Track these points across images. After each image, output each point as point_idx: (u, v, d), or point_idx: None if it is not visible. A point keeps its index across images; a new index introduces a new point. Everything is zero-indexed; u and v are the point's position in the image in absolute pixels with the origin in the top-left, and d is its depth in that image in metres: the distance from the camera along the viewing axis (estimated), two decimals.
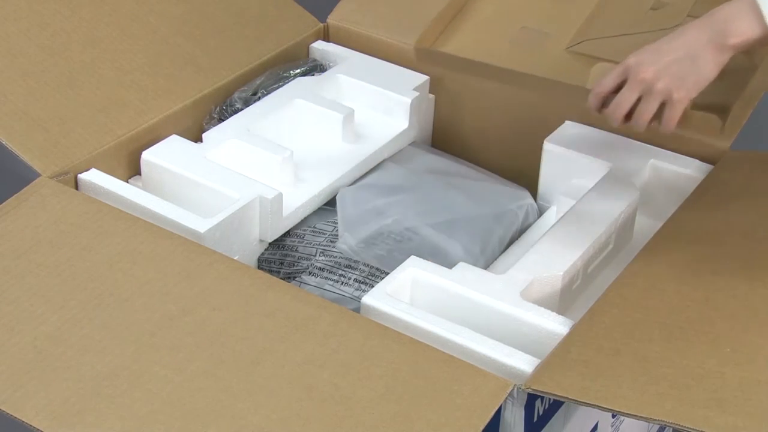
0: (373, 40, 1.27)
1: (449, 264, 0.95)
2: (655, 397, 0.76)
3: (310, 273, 1.02)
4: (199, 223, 0.97)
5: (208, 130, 1.12)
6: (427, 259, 0.95)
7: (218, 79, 1.17)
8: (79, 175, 1.03)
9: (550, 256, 0.96)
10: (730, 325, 0.82)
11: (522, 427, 0.86)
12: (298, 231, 1.07)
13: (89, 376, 0.79)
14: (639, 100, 0.96)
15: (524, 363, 0.84)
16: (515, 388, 0.80)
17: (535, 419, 0.87)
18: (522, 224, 1.10)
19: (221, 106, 1.16)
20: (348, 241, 1.03)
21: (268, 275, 0.91)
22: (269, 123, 1.14)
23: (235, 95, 1.17)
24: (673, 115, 0.95)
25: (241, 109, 1.15)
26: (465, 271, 0.94)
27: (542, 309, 0.90)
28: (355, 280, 1.01)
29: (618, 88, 0.97)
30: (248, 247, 1.03)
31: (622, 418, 1.04)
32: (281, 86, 1.18)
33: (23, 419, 0.76)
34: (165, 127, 1.11)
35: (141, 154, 1.07)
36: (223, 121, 1.13)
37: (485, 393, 0.79)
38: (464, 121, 1.26)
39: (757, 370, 0.77)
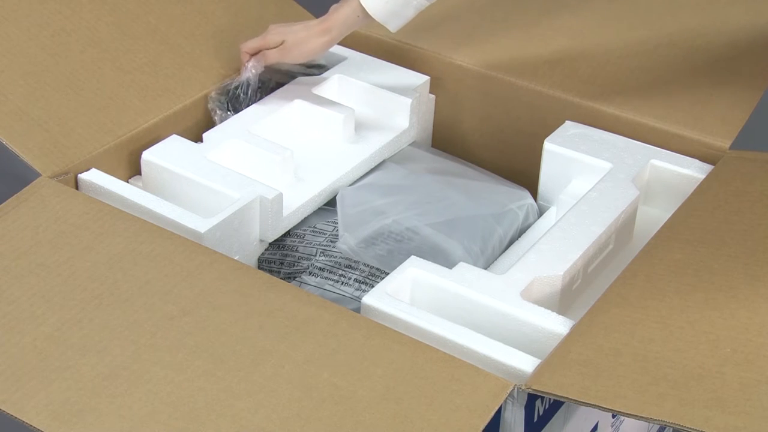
0: (373, 40, 1.27)
1: (449, 264, 0.95)
2: (655, 397, 0.76)
3: (310, 273, 1.02)
4: (199, 223, 0.97)
5: (213, 112, 1.13)
6: (428, 259, 0.95)
7: (218, 79, 1.17)
8: (79, 175, 1.03)
9: (550, 256, 0.96)
10: (730, 324, 0.82)
11: (522, 428, 0.86)
12: (298, 231, 1.07)
13: (89, 376, 0.79)
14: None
15: (524, 363, 0.84)
16: (515, 388, 0.80)
17: (535, 419, 0.87)
18: (522, 224, 1.10)
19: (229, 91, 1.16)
20: (348, 241, 1.03)
21: (268, 275, 0.91)
22: (269, 123, 1.14)
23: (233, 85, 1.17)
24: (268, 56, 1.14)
25: (244, 97, 1.15)
26: (465, 271, 0.94)
27: (542, 309, 0.90)
28: (356, 280, 1.01)
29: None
30: (248, 247, 1.03)
31: (622, 418, 1.04)
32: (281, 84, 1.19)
33: (23, 419, 0.76)
34: (165, 127, 1.11)
35: (141, 154, 1.07)
36: (230, 103, 1.14)
37: (485, 393, 0.79)
38: (464, 121, 1.26)
39: (757, 370, 0.77)
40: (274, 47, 1.14)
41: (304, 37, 1.12)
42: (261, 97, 1.17)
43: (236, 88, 1.16)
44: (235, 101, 1.16)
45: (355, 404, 0.77)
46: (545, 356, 0.84)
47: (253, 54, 1.15)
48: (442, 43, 1.25)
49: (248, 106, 1.15)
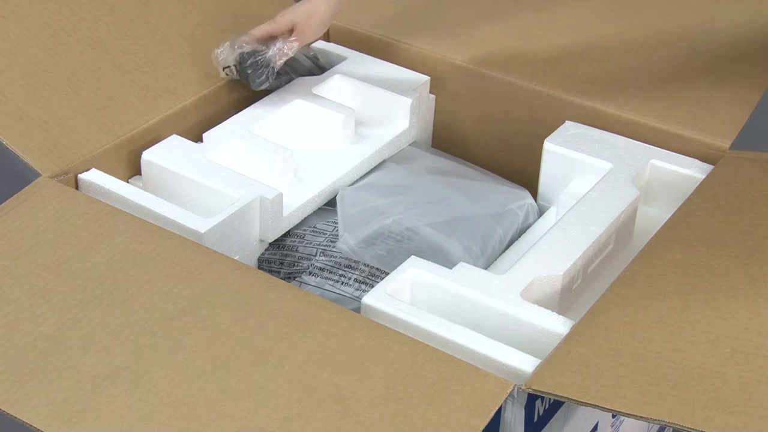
0: (373, 40, 1.27)
1: (449, 264, 0.95)
2: (655, 397, 0.76)
3: (310, 273, 1.02)
4: (199, 223, 0.97)
5: (227, 66, 1.14)
6: (428, 259, 0.95)
7: (218, 79, 1.17)
8: (80, 175, 1.03)
9: (550, 256, 0.96)
10: (730, 324, 0.82)
11: (522, 428, 0.86)
12: (299, 231, 1.07)
13: (89, 376, 0.79)
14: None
15: (524, 363, 0.84)
16: (515, 388, 0.80)
17: (535, 419, 0.87)
18: (522, 224, 1.10)
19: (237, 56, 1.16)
20: (348, 241, 1.03)
21: (268, 275, 0.91)
22: (269, 123, 1.14)
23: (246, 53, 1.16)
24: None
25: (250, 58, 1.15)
26: (465, 271, 0.94)
27: (542, 309, 0.90)
28: (356, 280, 1.01)
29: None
30: (248, 247, 1.03)
31: (622, 418, 1.04)
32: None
33: (23, 419, 0.76)
34: (165, 127, 1.11)
35: (141, 154, 1.07)
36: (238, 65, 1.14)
37: (485, 393, 0.79)
38: (464, 121, 1.26)
39: (757, 370, 0.77)
40: (286, 30, 1.14)
41: (311, 9, 1.13)
42: (273, 83, 1.16)
43: (260, 59, 1.14)
44: (252, 67, 1.14)
45: (355, 404, 0.77)
46: (545, 356, 0.84)
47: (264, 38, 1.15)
48: (442, 43, 1.25)
49: (260, 81, 1.15)
